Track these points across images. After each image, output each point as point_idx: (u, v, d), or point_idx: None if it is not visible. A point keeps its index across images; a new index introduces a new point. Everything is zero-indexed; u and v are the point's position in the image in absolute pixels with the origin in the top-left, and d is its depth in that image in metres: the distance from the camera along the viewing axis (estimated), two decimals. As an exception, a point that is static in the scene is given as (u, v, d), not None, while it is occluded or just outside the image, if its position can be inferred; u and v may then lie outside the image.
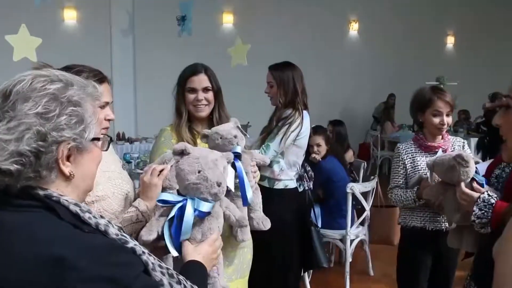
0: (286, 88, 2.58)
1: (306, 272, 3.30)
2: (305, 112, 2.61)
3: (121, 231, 0.89)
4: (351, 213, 3.41)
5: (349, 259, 3.46)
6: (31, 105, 0.80)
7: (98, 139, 0.91)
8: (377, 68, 8.97)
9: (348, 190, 3.30)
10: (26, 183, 0.83)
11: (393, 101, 8.47)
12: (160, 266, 0.90)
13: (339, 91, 8.77)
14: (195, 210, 1.25)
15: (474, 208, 1.65)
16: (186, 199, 1.27)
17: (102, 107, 1.48)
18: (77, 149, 0.86)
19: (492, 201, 1.64)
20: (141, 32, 6.94)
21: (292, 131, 2.51)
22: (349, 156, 4.40)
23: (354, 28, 9.07)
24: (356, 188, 3.34)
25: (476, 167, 1.82)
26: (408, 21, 9.06)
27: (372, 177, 3.70)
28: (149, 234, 1.26)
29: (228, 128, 1.69)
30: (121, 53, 6.82)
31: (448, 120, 2.22)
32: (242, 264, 1.91)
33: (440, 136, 2.27)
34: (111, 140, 1.02)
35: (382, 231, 3.45)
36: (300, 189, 3.05)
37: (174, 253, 1.24)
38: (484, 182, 1.76)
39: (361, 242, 3.72)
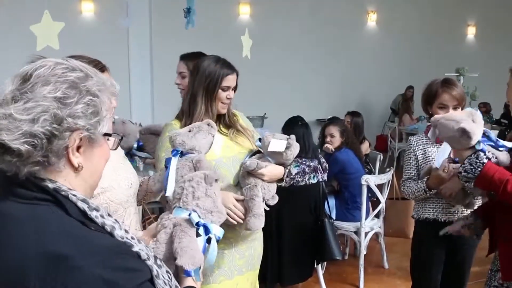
0: None
1: (320, 264, 3.30)
2: None
3: (127, 233, 0.86)
4: (366, 205, 3.39)
5: (363, 251, 3.44)
6: (50, 89, 0.80)
7: (110, 134, 0.90)
8: (395, 59, 8.85)
9: (363, 182, 3.28)
10: (33, 168, 0.81)
11: (411, 93, 8.37)
12: (164, 275, 0.87)
13: (357, 82, 8.68)
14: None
15: (465, 161, 1.66)
16: (203, 223, 1.12)
17: None
18: (89, 141, 0.85)
19: (484, 160, 1.64)
20: (158, 23, 6.97)
21: None
22: (365, 147, 4.37)
23: (372, 19, 8.95)
24: (371, 180, 3.31)
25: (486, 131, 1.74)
26: (428, 11, 8.90)
27: (388, 169, 3.68)
28: None
29: (279, 135, 1.79)
30: (138, 45, 6.85)
31: None
32: (253, 256, 1.91)
33: None
34: (121, 139, 1.00)
35: (397, 223, 3.44)
36: (314, 181, 3.06)
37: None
38: (483, 144, 1.68)
39: (376, 235, 3.71)
